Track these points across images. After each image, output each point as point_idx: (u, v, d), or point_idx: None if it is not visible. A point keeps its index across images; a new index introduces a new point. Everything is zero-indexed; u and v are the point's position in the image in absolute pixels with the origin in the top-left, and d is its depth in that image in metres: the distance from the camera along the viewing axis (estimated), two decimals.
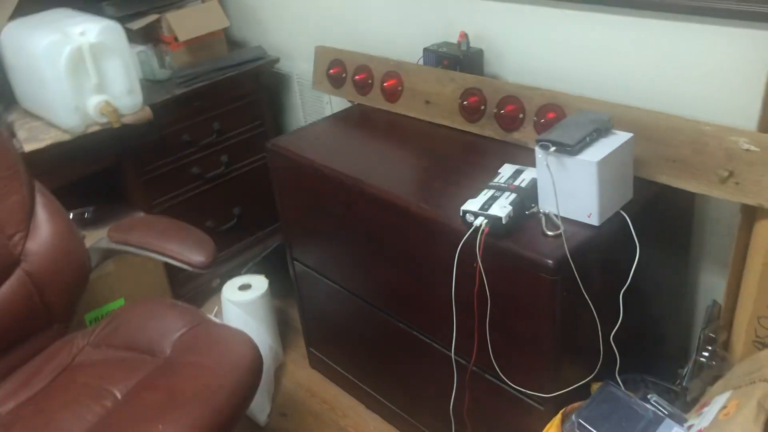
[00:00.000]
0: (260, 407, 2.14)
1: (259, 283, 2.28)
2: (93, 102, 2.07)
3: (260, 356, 1.55)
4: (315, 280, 2.07)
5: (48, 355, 1.65)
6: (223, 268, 2.58)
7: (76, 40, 2.01)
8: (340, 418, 2.14)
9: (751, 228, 1.44)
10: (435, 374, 1.73)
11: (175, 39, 2.43)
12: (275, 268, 2.46)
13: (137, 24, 2.38)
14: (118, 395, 1.50)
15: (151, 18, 2.40)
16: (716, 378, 1.49)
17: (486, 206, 1.43)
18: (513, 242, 1.40)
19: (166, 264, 2.40)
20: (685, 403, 1.50)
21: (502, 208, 1.41)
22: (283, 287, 2.42)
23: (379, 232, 1.71)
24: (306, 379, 2.30)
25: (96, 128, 2.13)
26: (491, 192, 1.47)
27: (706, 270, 1.68)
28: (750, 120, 1.40)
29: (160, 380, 1.50)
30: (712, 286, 1.66)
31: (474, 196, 1.47)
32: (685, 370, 1.55)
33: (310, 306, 2.19)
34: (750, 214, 1.44)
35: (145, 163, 2.35)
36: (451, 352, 1.62)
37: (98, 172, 2.26)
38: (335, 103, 2.42)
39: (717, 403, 1.35)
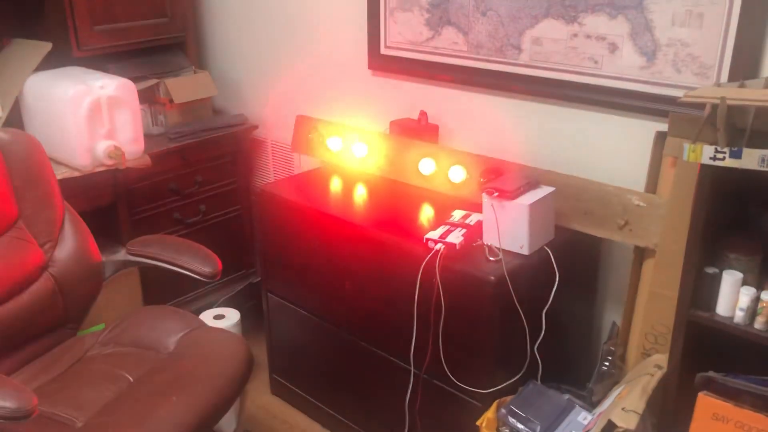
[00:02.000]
0: (228, 423, 2.39)
1: (232, 314, 2.59)
2: (102, 146, 2.40)
3: (251, 353, 1.86)
4: (286, 309, 2.40)
5: (61, 350, 1.91)
6: (191, 306, 2.86)
7: (96, 91, 2.36)
8: None
9: (641, 264, 1.90)
10: (390, 384, 2.07)
11: (170, 101, 2.80)
12: (240, 309, 2.76)
13: (139, 86, 2.75)
14: (131, 378, 1.78)
15: (152, 82, 2.78)
16: (615, 384, 1.90)
17: (443, 236, 1.84)
18: (463, 264, 1.81)
19: (143, 293, 2.70)
20: (591, 404, 1.89)
21: (456, 238, 1.83)
22: (245, 326, 2.71)
23: (353, 261, 2.08)
24: (267, 403, 2.58)
25: (102, 169, 2.45)
26: (447, 227, 1.89)
27: (608, 297, 2.12)
28: (640, 183, 1.88)
29: (168, 367, 1.78)
30: (612, 310, 2.10)
31: (433, 230, 1.88)
32: (592, 379, 1.96)
33: (278, 334, 2.50)
34: (640, 254, 1.90)
35: (136, 204, 2.66)
36: (406, 362, 1.97)
37: (94, 210, 2.55)
38: (305, 167, 2.81)
39: (614, 393, 1.76)
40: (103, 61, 2.73)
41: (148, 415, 1.60)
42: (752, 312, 1.51)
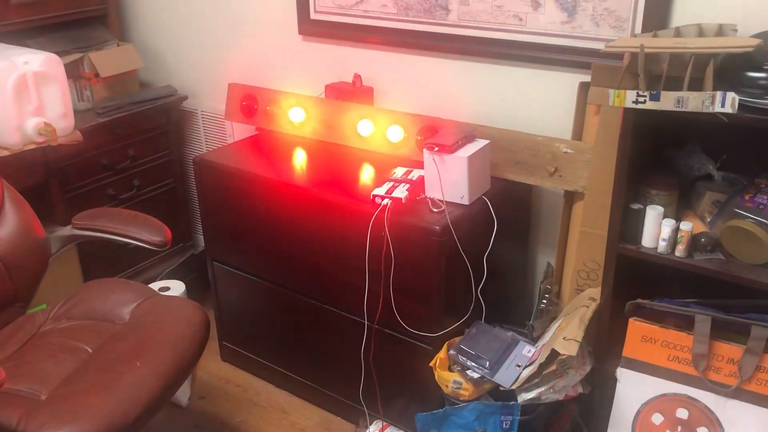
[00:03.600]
0: (182, 391, 2.43)
1: (177, 286, 2.60)
2: (32, 123, 2.35)
3: (207, 315, 1.90)
4: (233, 276, 2.43)
5: (13, 328, 1.90)
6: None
7: (21, 67, 2.30)
8: (252, 396, 2.48)
9: (571, 207, 2.05)
10: (343, 338, 2.15)
11: (96, 75, 2.75)
12: (183, 281, 2.77)
13: (63, 61, 2.68)
14: (89, 350, 1.79)
15: (75, 56, 2.72)
16: (552, 319, 2.05)
17: (389, 192, 1.92)
18: (409, 217, 1.90)
19: (83, 270, 2.67)
20: (533, 339, 2.04)
21: (401, 192, 1.92)
22: (190, 297, 2.72)
23: (299, 224, 2.14)
24: (219, 370, 2.62)
25: (32, 147, 2.39)
26: (391, 183, 1.98)
27: (542, 240, 2.27)
28: (566, 132, 2.02)
29: (127, 336, 1.80)
30: (546, 252, 2.25)
31: (378, 187, 1.96)
32: (532, 317, 2.11)
33: (226, 301, 2.54)
34: (570, 198, 2.05)
35: (69, 182, 2.61)
36: (359, 315, 2.06)
37: (26, 189, 2.49)
38: (238, 136, 2.83)
39: (553, 327, 1.90)
40: (20, 36, 2.64)
41: (115, 382, 1.62)
42: (673, 241, 1.67)
